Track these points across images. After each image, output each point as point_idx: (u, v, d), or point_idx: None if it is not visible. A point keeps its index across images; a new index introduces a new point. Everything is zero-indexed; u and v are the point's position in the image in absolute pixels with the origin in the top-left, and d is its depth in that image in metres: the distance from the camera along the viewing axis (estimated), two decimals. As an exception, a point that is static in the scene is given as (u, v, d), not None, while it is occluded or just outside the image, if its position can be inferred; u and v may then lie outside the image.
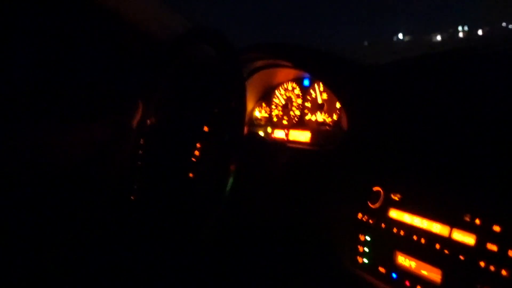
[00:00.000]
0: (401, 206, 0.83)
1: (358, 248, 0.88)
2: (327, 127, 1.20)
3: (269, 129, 1.42)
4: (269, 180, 1.08)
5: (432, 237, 0.75)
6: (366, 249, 0.87)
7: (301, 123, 1.33)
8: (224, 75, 0.94)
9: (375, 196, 0.88)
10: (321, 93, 1.27)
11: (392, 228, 0.83)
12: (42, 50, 1.24)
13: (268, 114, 1.47)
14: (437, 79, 0.97)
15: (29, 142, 1.05)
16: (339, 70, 1.14)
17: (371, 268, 0.85)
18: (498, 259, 0.64)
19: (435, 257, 0.74)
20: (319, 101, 1.27)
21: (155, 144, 1.09)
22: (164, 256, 1.05)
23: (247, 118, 1.43)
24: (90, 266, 1.11)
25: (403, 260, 0.79)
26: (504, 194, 0.68)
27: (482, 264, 0.66)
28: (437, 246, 0.74)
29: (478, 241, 0.68)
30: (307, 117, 1.31)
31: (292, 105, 1.38)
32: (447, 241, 0.72)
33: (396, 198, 0.85)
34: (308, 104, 1.31)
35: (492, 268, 0.64)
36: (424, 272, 0.75)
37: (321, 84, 1.27)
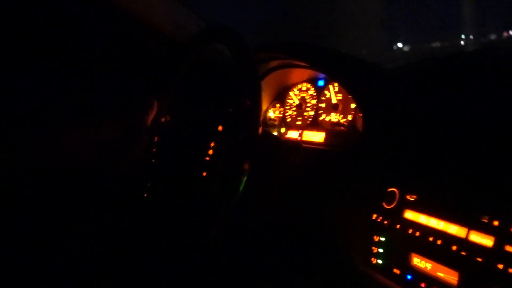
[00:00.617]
0: (417, 207, 0.82)
1: (372, 249, 0.88)
2: (342, 128, 1.19)
3: (282, 130, 1.42)
4: (283, 180, 1.08)
5: (448, 238, 0.74)
6: (380, 250, 0.86)
7: (315, 124, 1.32)
8: (239, 75, 0.94)
9: (390, 197, 0.87)
10: (335, 93, 1.27)
11: (407, 229, 0.82)
12: (56, 49, 1.25)
13: (282, 115, 1.47)
14: (454, 80, 0.96)
15: (44, 141, 1.06)
16: (355, 70, 1.13)
17: (385, 269, 0.84)
18: (517, 261, 0.63)
19: (451, 259, 0.73)
20: (334, 101, 1.26)
21: (169, 142, 1.10)
22: (175, 253, 1.05)
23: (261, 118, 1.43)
24: (100, 263, 1.12)
25: (418, 261, 0.78)
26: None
27: (500, 266, 0.65)
28: (454, 247, 0.73)
29: (496, 243, 0.67)
30: (321, 118, 1.30)
31: (306, 106, 1.37)
32: (464, 243, 0.71)
33: (412, 199, 0.84)
34: (322, 105, 1.31)
35: (510, 270, 0.63)
36: (440, 274, 0.74)
37: (336, 85, 1.27)
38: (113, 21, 1.25)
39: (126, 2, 1.15)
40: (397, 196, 0.86)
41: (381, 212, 0.88)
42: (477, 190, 0.74)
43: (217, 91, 1.32)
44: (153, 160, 1.11)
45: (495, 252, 0.66)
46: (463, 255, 0.71)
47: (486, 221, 0.69)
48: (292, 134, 1.37)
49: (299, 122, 1.39)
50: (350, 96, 1.15)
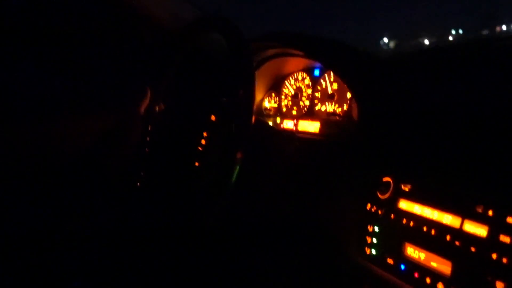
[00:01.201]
0: (411, 197, 0.82)
1: (366, 239, 0.87)
2: (337, 118, 1.18)
3: (278, 120, 1.41)
4: (278, 170, 1.07)
5: (442, 228, 0.74)
6: (374, 240, 0.86)
7: (310, 114, 1.31)
8: (233, 63, 0.93)
9: (384, 187, 0.87)
10: (331, 83, 1.26)
11: (402, 219, 0.81)
12: (49, 40, 1.23)
13: (277, 104, 1.46)
14: (449, 70, 0.96)
15: (37, 132, 1.05)
16: (351, 60, 1.12)
17: (379, 259, 0.84)
18: (511, 251, 0.62)
19: (445, 248, 0.72)
20: (329, 91, 1.25)
21: (162, 131, 1.09)
22: (169, 243, 1.05)
23: (256, 108, 1.42)
24: (95, 254, 1.12)
25: (412, 251, 0.78)
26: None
27: (494, 256, 0.64)
28: (448, 237, 0.72)
29: (490, 232, 0.66)
30: (316, 108, 1.29)
31: (302, 95, 1.36)
32: (458, 233, 0.71)
33: (406, 189, 0.83)
34: (318, 95, 1.30)
35: (504, 260, 0.63)
36: (434, 264, 0.73)
37: (331, 74, 1.26)
38: (107, 10, 1.24)
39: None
40: (392, 186, 0.86)
41: (376, 202, 0.87)
42: (471, 180, 0.73)
43: (211, 81, 1.31)
44: (146, 149, 1.10)
45: (489, 242, 0.66)
46: (457, 245, 0.70)
47: (480, 211, 0.69)
48: (288, 124, 1.36)
49: (294, 112, 1.38)
50: (346, 86, 1.14)
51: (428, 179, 0.81)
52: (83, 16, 1.23)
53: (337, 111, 1.20)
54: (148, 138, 1.10)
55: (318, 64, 1.33)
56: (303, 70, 1.38)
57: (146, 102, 1.12)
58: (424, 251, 0.76)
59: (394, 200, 0.84)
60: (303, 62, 1.37)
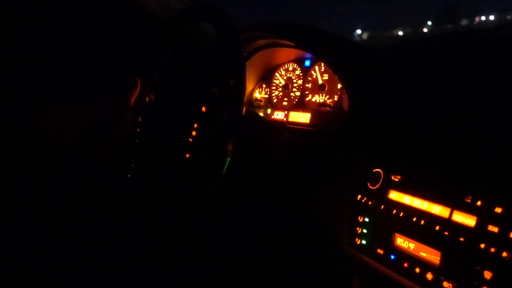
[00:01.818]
0: (401, 187, 0.82)
1: (356, 230, 0.88)
2: (328, 108, 1.18)
3: (268, 110, 1.41)
4: (269, 160, 1.07)
5: (432, 218, 0.74)
6: (365, 231, 0.86)
7: (301, 105, 1.31)
8: (223, 53, 0.92)
9: (375, 178, 0.87)
10: (322, 74, 1.26)
11: (392, 210, 0.82)
12: (34, 27, 1.21)
13: (268, 95, 1.45)
14: (439, 61, 0.96)
15: (24, 123, 1.04)
16: (342, 50, 1.12)
17: (369, 249, 0.85)
18: (498, 241, 0.63)
19: (434, 239, 0.73)
20: (320, 82, 1.25)
21: (152, 122, 1.08)
22: (159, 236, 1.04)
23: (247, 99, 1.41)
24: (86, 246, 1.11)
25: (401, 241, 0.79)
26: (505, 175, 0.67)
27: (482, 246, 0.65)
28: (437, 227, 0.73)
29: (478, 222, 0.67)
30: (307, 98, 1.29)
31: (292, 86, 1.36)
32: (447, 223, 0.72)
33: (396, 180, 0.84)
34: (308, 85, 1.30)
35: (492, 250, 0.64)
36: (423, 254, 0.74)
37: (322, 65, 1.26)
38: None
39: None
40: (382, 176, 0.86)
41: (366, 192, 0.88)
42: (460, 170, 0.74)
43: (202, 71, 1.30)
44: (136, 140, 1.09)
45: (478, 232, 0.67)
46: (446, 235, 0.71)
47: (469, 201, 0.70)
48: (278, 115, 1.36)
49: (285, 103, 1.37)
50: (336, 77, 1.14)
51: (417, 170, 0.81)
52: (70, 4, 1.21)
53: (328, 102, 1.20)
54: (138, 129, 1.09)
55: (308, 55, 1.32)
56: (294, 61, 1.38)
57: (136, 92, 1.10)
58: (414, 241, 0.76)
59: (384, 191, 0.85)
60: (293, 52, 1.36)
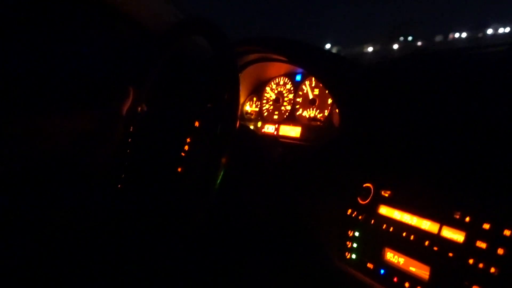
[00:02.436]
0: (391, 202, 0.83)
1: (346, 244, 0.88)
2: (318, 123, 1.20)
3: (259, 124, 1.42)
4: (259, 174, 1.08)
5: (421, 234, 0.75)
6: (355, 245, 0.87)
7: (291, 119, 1.32)
8: (218, 67, 0.93)
9: (365, 192, 0.88)
10: (312, 88, 1.27)
11: (382, 225, 0.83)
12: (28, 38, 1.21)
13: (258, 109, 1.47)
14: (428, 78, 0.98)
15: (16, 132, 1.03)
16: (333, 66, 1.14)
17: (359, 264, 0.85)
18: (487, 256, 0.64)
19: (424, 254, 0.74)
20: (311, 96, 1.26)
21: (145, 133, 1.08)
22: (150, 247, 1.04)
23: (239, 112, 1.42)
24: (76, 253, 1.10)
25: (391, 256, 0.80)
26: (494, 192, 0.68)
27: (471, 261, 0.66)
28: (426, 243, 0.74)
29: (467, 238, 0.68)
30: (298, 113, 1.30)
31: (283, 100, 1.37)
32: (436, 238, 0.73)
33: (386, 195, 0.85)
34: (299, 100, 1.31)
35: (481, 265, 0.65)
36: (413, 269, 0.75)
37: (313, 80, 1.27)
38: (89, 10, 1.22)
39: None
40: (372, 191, 0.87)
41: (356, 207, 0.89)
42: (450, 186, 0.75)
43: (195, 85, 1.31)
44: (128, 151, 1.09)
45: (466, 248, 0.68)
46: (435, 250, 0.72)
47: (457, 217, 0.71)
48: (269, 129, 1.37)
49: (275, 117, 1.39)
50: (327, 92, 1.16)
51: (407, 185, 0.82)
52: (64, 15, 1.21)
53: (318, 117, 1.22)
54: (129, 139, 1.09)
55: (299, 70, 1.34)
56: (285, 75, 1.39)
57: (128, 102, 1.10)
58: (403, 256, 0.77)
59: (374, 206, 0.86)
60: (284, 67, 1.38)
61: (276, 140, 1.16)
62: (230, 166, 0.88)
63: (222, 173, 0.85)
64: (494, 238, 0.65)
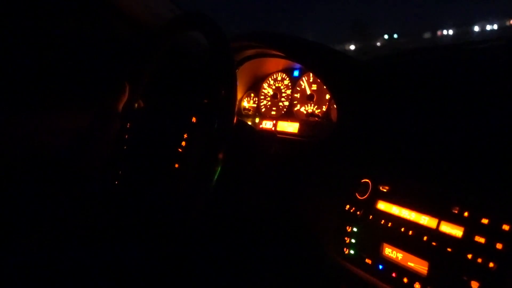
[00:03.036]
0: (389, 198, 0.83)
1: (344, 239, 0.88)
2: (316, 118, 1.20)
3: (257, 120, 1.41)
4: (257, 170, 1.07)
5: (419, 229, 0.75)
6: (353, 240, 0.87)
7: (289, 114, 1.32)
8: (214, 63, 0.92)
9: (363, 188, 0.88)
10: (310, 84, 1.27)
11: (380, 220, 0.82)
12: (23, 34, 1.20)
13: (256, 105, 1.46)
14: (427, 73, 0.98)
15: (11, 129, 1.03)
16: (330, 61, 1.13)
17: (357, 259, 0.85)
18: (485, 251, 0.64)
19: (422, 249, 0.74)
20: (308, 92, 1.26)
21: (141, 130, 1.07)
22: (147, 244, 1.04)
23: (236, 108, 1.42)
24: (73, 252, 1.10)
25: (390, 251, 0.79)
26: (492, 186, 0.68)
27: (469, 256, 0.66)
28: (425, 238, 0.74)
29: (466, 233, 0.68)
30: (295, 108, 1.30)
31: (281, 96, 1.37)
32: (435, 233, 0.72)
33: (384, 190, 0.84)
34: (297, 95, 1.31)
35: (479, 260, 0.64)
36: (411, 264, 0.75)
37: (310, 75, 1.27)
38: (84, 5, 1.22)
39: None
40: (370, 187, 0.87)
41: (354, 202, 0.89)
42: (448, 181, 0.75)
43: (192, 81, 1.30)
44: (124, 147, 1.09)
45: (465, 243, 0.68)
46: (434, 245, 0.72)
47: (456, 212, 0.71)
48: (267, 124, 1.37)
49: (273, 112, 1.38)
50: (325, 87, 1.15)
51: (405, 180, 0.82)
52: (59, 10, 1.20)
53: (316, 112, 1.21)
54: (126, 136, 1.09)
55: (297, 65, 1.33)
56: (282, 71, 1.39)
57: (124, 98, 1.10)
58: (402, 251, 0.77)
59: (372, 201, 0.85)
60: (282, 62, 1.37)
61: (274, 135, 1.16)
62: (227, 162, 0.87)
63: (219, 169, 0.84)
64: (492, 233, 0.65)
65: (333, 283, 0.93)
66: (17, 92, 1.10)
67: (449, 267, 0.69)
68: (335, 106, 1.09)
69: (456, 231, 0.69)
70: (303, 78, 1.29)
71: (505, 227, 0.63)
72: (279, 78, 1.39)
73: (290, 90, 1.34)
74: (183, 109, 1.01)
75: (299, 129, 1.24)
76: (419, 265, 0.74)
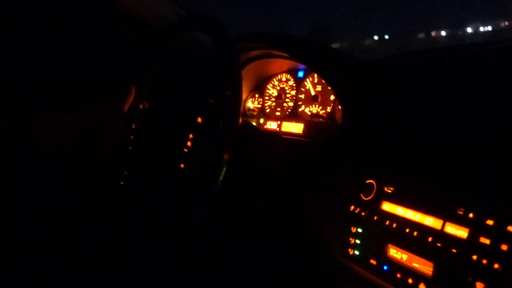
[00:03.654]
0: (394, 199, 0.83)
1: (349, 240, 0.88)
2: (321, 119, 1.20)
3: (261, 120, 1.42)
4: (262, 170, 1.07)
5: (424, 230, 0.75)
6: (358, 241, 0.87)
7: (294, 115, 1.32)
8: (220, 63, 0.93)
9: (368, 189, 0.88)
10: (315, 85, 1.27)
11: (384, 221, 0.83)
12: (30, 37, 1.21)
13: (260, 105, 1.46)
14: (431, 74, 0.98)
15: (18, 129, 1.03)
16: (335, 62, 1.13)
17: (362, 260, 0.85)
18: (490, 252, 0.64)
19: (427, 250, 0.74)
20: (313, 93, 1.26)
21: (147, 130, 1.08)
22: (152, 243, 1.04)
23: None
24: (79, 251, 1.10)
25: (394, 252, 0.79)
26: (497, 187, 0.68)
27: (474, 257, 0.66)
28: (430, 239, 0.74)
29: (471, 234, 0.68)
30: (300, 109, 1.30)
31: (285, 97, 1.37)
32: (440, 234, 0.72)
33: (389, 191, 0.85)
34: (301, 96, 1.31)
35: (484, 261, 0.64)
36: (416, 265, 0.75)
37: (315, 76, 1.27)
38: (89, 7, 1.22)
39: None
40: (375, 188, 0.87)
41: (359, 203, 0.89)
42: (453, 182, 0.75)
43: (197, 81, 1.31)
44: (130, 148, 1.09)
45: (470, 244, 0.68)
46: (439, 246, 0.72)
47: (461, 213, 0.71)
48: (271, 125, 1.37)
49: (278, 113, 1.38)
50: (329, 88, 1.16)
51: (410, 181, 0.82)
52: (64, 13, 1.21)
53: (321, 113, 1.22)
54: (131, 136, 1.09)
55: (302, 66, 1.34)
56: (287, 72, 1.39)
57: (130, 99, 1.10)
58: (407, 252, 0.77)
59: (377, 202, 0.85)
60: (286, 63, 1.37)
61: (279, 136, 1.16)
62: (232, 162, 0.87)
63: (224, 169, 0.85)
64: (497, 234, 0.65)
65: (337, 283, 0.93)
66: (23, 94, 1.11)
67: (454, 268, 0.69)
68: (339, 107, 1.09)
69: (461, 232, 0.69)
70: (308, 79, 1.29)
71: (510, 228, 0.63)
72: (283, 79, 1.40)
73: (295, 91, 1.34)
74: (188, 110, 1.01)
75: (304, 130, 1.24)
76: (424, 266, 0.74)
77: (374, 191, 0.87)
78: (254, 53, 1.36)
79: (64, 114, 1.08)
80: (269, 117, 1.40)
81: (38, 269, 1.05)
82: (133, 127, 1.09)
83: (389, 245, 0.81)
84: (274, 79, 1.43)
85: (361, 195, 0.89)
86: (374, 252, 0.83)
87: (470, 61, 0.92)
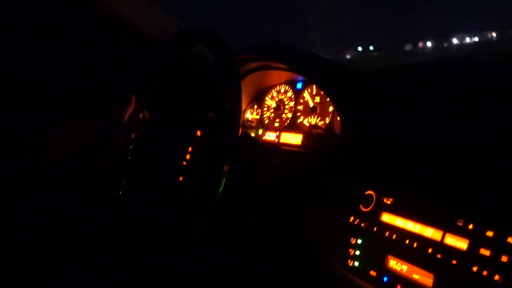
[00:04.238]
0: (394, 210, 0.83)
1: (349, 251, 0.88)
2: (319, 130, 1.20)
3: (260, 131, 1.42)
4: (260, 182, 1.08)
5: (424, 241, 0.75)
6: (357, 252, 0.87)
7: (292, 126, 1.32)
8: (219, 76, 0.93)
9: (367, 200, 0.88)
10: (313, 96, 1.28)
11: (384, 232, 0.83)
12: (32, 46, 1.22)
13: (259, 116, 1.47)
14: (430, 85, 0.99)
15: (17, 140, 1.03)
16: (333, 74, 1.14)
17: (361, 271, 0.85)
18: (490, 264, 0.64)
19: (427, 261, 0.74)
20: (311, 104, 1.27)
21: (146, 140, 1.08)
22: (150, 255, 1.04)
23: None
24: (76, 263, 1.10)
25: (394, 264, 0.79)
26: (497, 199, 0.69)
27: (474, 269, 0.66)
28: (430, 250, 0.74)
29: (471, 246, 0.68)
30: (299, 120, 1.31)
31: (284, 108, 1.38)
32: (440, 246, 0.73)
33: (389, 202, 0.85)
34: (300, 107, 1.32)
35: (484, 273, 0.65)
36: (416, 276, 0.75)
37: (314, 87, 1.28)
38: (91, 19, 1.23)
39: (108, 1, 1.14)
40: (374, 199, 0.87)
41: (359, 215, 0.89)
42: (452, 194, 0.76)
43: (197, 92, 1.31)
44: (129, 158, 1.09)
45: (470, 255, 0.68)
46: (438, 257, 0.72)
47: (461, 224, 0.71)
48: (270, 136, 1.37)
49: (276, 124, 1.39)
50: (328, 99, 1.16)
51: (409, 192, 0.83)
52: (67, 23, 1.22)
53: (319, 124, 1.22)
54: (131, 146, 1.09)
55: (300, 78, 1.34)
56: (286, 83, 1.40)
57: (130, 109, 1.11)
58: (406, 263, 0.77)
59: (376, 213, 0.86)
60: (285, 75, 1.38)
61: (278, 147, 1.17)
62: (232, 174, 0.88)
63: (223, 181, 0.85)
64: (497, 245, 0.65)
65: (337, 295, 0.92)
66: (23, 103, 1.11)
67: (454, 280, 0.69)
68: (338, 118, 1.10)
69: (461, 244, 0.70)
70: (306, 91, 1.30)
71: (510, 240, 0.63)
72: (282, 90, 1.40)
73: (293, 102, 1.35)
74: (188, 123, 1.02)
75: (303, 141, 1.24)
76: (424, 277, 0.74)
77: (374, 202, 0.87)
78: (253, 64, 1.36)
79: (64, 124, 1.09)
80: (268, 128, 1.41)
81: (38, 276, 1.05)
82: (132, 137, 1.09)
83: (389, 256, 0.81)
84: (273, 91, 1.44)
85: (361, 206, 0.89)
86: (374, 264, 0.83)
87: (470, 73, 0.93)
